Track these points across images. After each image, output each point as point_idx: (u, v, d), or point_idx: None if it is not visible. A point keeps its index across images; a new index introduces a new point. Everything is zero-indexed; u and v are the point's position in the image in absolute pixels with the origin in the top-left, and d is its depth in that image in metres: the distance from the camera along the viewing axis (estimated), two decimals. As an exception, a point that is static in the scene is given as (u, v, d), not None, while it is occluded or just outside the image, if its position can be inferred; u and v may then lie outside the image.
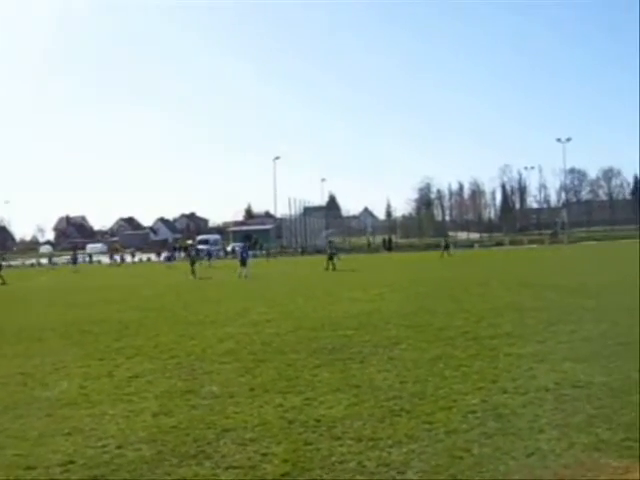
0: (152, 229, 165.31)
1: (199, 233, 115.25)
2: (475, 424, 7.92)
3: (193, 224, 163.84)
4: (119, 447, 7.70)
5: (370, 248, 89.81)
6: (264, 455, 7.24)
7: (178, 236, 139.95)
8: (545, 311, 17.74)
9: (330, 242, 56.65)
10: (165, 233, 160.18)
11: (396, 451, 7.13)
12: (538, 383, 9.79)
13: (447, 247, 61.68)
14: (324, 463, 6.89)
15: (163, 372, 12.03)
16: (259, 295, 28.19)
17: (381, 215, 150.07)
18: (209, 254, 71.64)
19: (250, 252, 80.00)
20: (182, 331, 17.22)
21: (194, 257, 46.88)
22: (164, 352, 14.08)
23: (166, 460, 7.19)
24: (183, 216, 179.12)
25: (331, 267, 44.31)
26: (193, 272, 42.58)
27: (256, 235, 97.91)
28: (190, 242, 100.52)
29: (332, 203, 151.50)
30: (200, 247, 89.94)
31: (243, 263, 40.66)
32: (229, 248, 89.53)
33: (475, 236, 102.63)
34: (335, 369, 11.58)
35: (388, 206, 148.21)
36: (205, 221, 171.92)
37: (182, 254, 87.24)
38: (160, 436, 8.07)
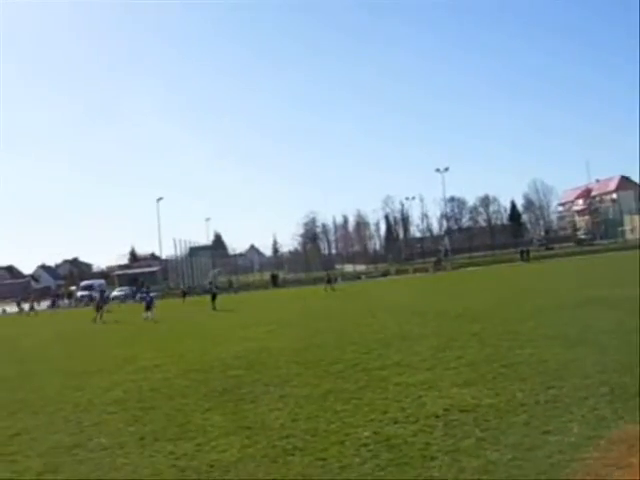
0: (33, 277, 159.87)
1: (83, 279, 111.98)
2: (368, 457, 7.95)
3: (76, 269, 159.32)
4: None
5: (255, 285, 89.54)
6: (155, 507, 7.03)
7: (61, 282, 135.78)
8: (432, 338, 18.06)
9: (211, 282, 56.54)
10: (47, 280, 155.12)
11: (291, 491, 7.06)
12: (427, 410, 9.93)
13: (329, 281, 61.94)
14: (219, 511, 6.74)
15: (48, 427, 11.58)
16: (147, 339, 27.60)
17: (268, 252, 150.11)
18: (103, 300, 70.57)
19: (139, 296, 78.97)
20: (68, 382, 16.60)
21: (100, 302, 45.55)
22: (49, 405, 13.56)
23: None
24: (66, 262, 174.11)
25: (213, 306, 44.16)
26: (100, 317, 41.93)
27: (142, 278, 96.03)
28: (74, 288, 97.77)
29: (218, 242, 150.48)
30: (83, 293, 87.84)
31: (148, 307, 40.40)
32: (115, 293, 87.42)
33: (361, 268, 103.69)
34: (226, 411, 11.43)
35: (274, 242, 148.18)
36: (89, 266, 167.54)
37: (66, 301, 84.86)
38: (45, 498, 7.74)
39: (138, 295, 75.89)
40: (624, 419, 8.33)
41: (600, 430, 7.98)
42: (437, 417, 9.48)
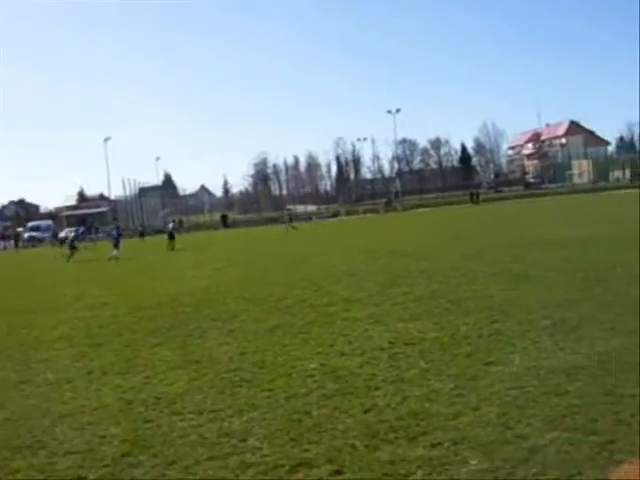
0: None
1: (29, 220, 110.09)
2: (314, 387, 8.04)
3: (23, 211, 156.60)
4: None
5: (206, 225, 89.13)
6: (102, 437, 7.04)
7: (7, 224, 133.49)
8: (380, 275, 18.25)
9: (173, 222, 56.16)
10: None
11: (237, 420, 7.12)
12: (373, 343, 10.06)
13: (291, 219, 62.11)
14: (165, 439, 6.78)
15: (-7, 364, 11.47)
16: (96, 278, 27.43)
17: (218, 192, 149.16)
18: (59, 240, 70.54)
19: (87, 236, 78.06)
20: (14, 320, 16.44)
21: (73, 241, 44.12)
22: (-7, 343, 13.39)
23: (-3, 454, 6.85)
24: (12, 203, 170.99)
25: (171, 247, 43.92)
26: (71, 256, 40.74)
27: (91, 219, 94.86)
28: (21, 229, 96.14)
29: (168, 182, 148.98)
30: (30, 234, 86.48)
31: (116, 245, 39.67)
32: (62, 234, 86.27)
33: (312, 208, 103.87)
34: (174, 346, 11.43)
35: (225, 183, 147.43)
36: (36, 207, 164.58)
37: (12, 242, 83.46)
38: (-9, 430, 7.69)
39: (88, 236, 75.30)
40: (564, 350, 8.55)
41: (540, 361, 8.18)
42: (382, 350, 9.61)
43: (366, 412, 6.94)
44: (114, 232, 42.77)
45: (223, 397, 8.04)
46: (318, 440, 6.30)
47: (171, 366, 9.96)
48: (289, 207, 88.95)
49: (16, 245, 77.94)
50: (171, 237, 45.56)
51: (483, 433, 6.01)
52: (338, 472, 5.54)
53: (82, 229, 49.83)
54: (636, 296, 11.17)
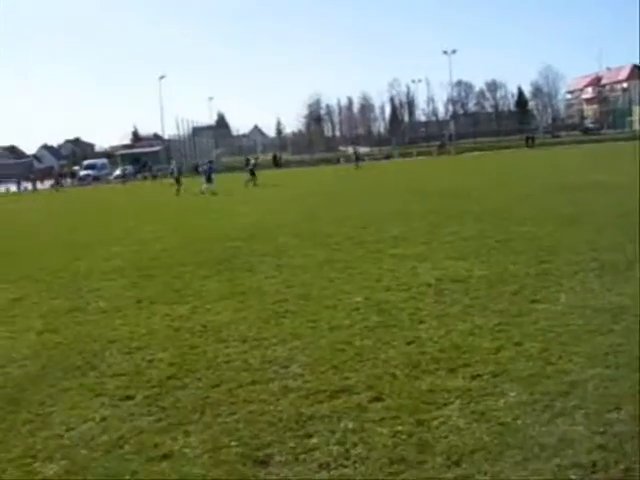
0: (36, 157, 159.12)
1: (85, 158, 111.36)
2: (358, 320, 8.12)
3: (79, 149, 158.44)
4: (2, 366, 7.51)
5: (261, 166, 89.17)
6: (150, 362, 7.23)
7: (64, 163, 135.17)
8: (431, 215, 18.16)
9: (256, 159, 56.67)
10: (50, 160, 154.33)
11: (280, 348, 7.24)
12: (420, 280, 10.07)
13: (358, 159, 61.91)
14: (209, 364, 6.94)
15: (48, 292, 11.75)
16: (149, 214, 27.84)
17: (271, 133, 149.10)
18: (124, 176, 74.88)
19: (139, 175, 79.18)
20: (68, 254, 16.79)
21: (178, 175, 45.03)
22: (49, 274, 13.67)
23: (50, 374, 7.08)
24: (68, 142, 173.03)
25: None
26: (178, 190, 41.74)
27: (145, 158, 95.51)
28: (76, 168, 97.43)
29: (221, 122, 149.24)
30: (85, 172, 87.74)
31: (208, 179, 40.46)
32: (118, 172, 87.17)
33: (365, 150, 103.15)
34: (222, 278, 11.60)
35: (278, 123, 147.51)
36: (91, 146, 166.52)
37: (69, 180, 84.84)
38: (45, 352, 7.94)
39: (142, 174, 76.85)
40: (610, 291, 8.47)
41: (587, 300, 8.12)
42: (429, 286, 9.62)
43: (409, 344, 6.99)
44: (206, 167, 43.38)
45: (268, 327, 8.16)
46: (359, 369, 6.38)
47: (218, 297, 10.14)
48: (339, 149, 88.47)
49: (72, 183, 79.26)
50: (252, 174, 45.39)
51: (524, 367, 6.02)
52: (377, 399, 5.61)
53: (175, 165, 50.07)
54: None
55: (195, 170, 62.60)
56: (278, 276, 11.35)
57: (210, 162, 48.16)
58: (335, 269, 11.50)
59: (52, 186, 75.44)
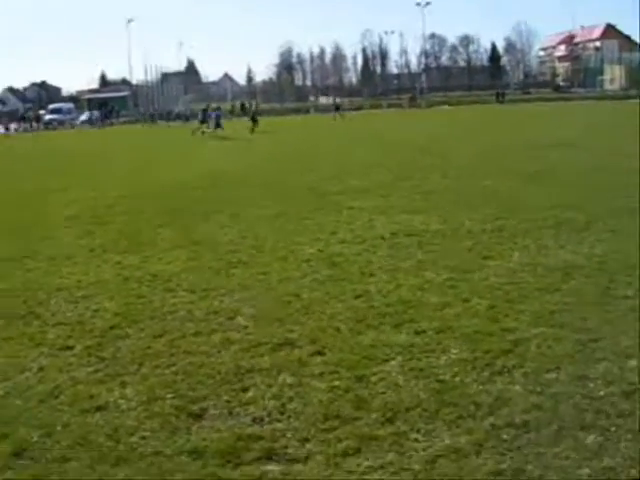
0: (0, 100, 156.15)
1: (51, 102, 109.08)
2: (308, 272, 8.05)
3: (45, 93, 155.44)
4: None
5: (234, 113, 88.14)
6: (95, 311, 7.11)
7: (29, 106, 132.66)
8: (395, 168, 18.08)
9: (257, 105, 56.50)
10: (15, 104, 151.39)
11: (227, 299, 7.16)
12: (375, 233, 10.03)
13: (337, 109, 61.37)
14: (154, 314, 6.84)
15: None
16: (114, 160, 27.43)
17: (242, 80, 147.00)
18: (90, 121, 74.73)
19: (107, 120, 78.07)
20: (24, 201, 16.42)
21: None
22: (1, 222, 13.35)
23: (-9, 322, 6.93)
24: (34, 85, 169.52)
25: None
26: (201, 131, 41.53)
27: (112, 103, 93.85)
28: (42, 112, 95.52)
29: (191, 68, 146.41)
30: (51, 117, 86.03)
31: (218, 125, 41.28)
32: (84, 117, 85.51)
33: (336, 100, 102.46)
34: (177, 227, 11.47)
35: (249, 71, 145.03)
36: (58, 90, 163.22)
37: (34, 124, 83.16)
38: (-12, 300, 7.77)
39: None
40: (564, 249, 8.47)
41: (539, 258, 8.11)
42: (383, 239, 9.57)
43: (356, 298, 6.94)
44: (213, 114, 43.99)
45: (218, 278, 8.07)
46: (304, 322, 6.31)
47: (171, 246, 10.03)
48: (310, 99, 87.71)
49: (37, 127, 77.71)
50: (254, 120, 45.09)
51: (469, 324, 5.98)
52: (319, 353, 5.55)
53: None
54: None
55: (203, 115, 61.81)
56: (234, 226, 11.24)
57: (218, 108, 49.28)
58: (291, 220, 11.41)
59: (15, 130, 74.12)
